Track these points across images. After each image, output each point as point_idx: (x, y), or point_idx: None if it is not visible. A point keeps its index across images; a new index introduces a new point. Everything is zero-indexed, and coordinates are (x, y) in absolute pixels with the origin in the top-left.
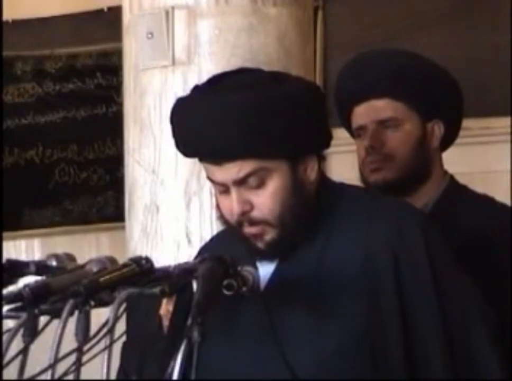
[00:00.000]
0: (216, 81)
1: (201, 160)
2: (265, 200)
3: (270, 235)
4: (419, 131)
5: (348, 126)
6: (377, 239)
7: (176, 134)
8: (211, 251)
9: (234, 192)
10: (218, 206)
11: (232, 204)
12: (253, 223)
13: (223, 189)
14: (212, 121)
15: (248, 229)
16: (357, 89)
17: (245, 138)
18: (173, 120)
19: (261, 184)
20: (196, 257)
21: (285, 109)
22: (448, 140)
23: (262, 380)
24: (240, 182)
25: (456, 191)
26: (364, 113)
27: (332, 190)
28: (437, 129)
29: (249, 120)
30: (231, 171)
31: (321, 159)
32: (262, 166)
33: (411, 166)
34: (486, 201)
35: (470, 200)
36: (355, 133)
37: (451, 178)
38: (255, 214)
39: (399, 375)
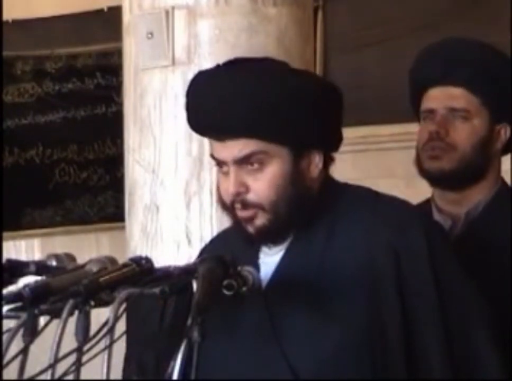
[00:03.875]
0: (239, 62)
1: (206, 135)
2: (261, 185)
3: (260, 220)
4: (485, 130)
5: (415, 106)
6: (379, 239)
7: (187, 106)
8: (211, 252)
9: (232, 172)
10: (218, 188)
11: (229, 184)
12: (245, 205)
13: (224, 169)
14: (222, 97)
15: (241, 213)
16: (439, 71)
17: (251, 118)
18: (188, 92)
19: (259, 168)
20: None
21: (298, 99)
22: (510, 145)
23: (262, 380)
24: (240, 162)
25: (506, 193)
26: (437, 97)
27: (335, 190)
28: (503, 133)
29: (259, 101)
30: (233, 149)
31: (330, 160)
32: (264, 149)
33: (470, 162)
34: None
35: None
36: (422, 114)
37: (502, 180)
38: (250, 196)
39: (399, 375)
